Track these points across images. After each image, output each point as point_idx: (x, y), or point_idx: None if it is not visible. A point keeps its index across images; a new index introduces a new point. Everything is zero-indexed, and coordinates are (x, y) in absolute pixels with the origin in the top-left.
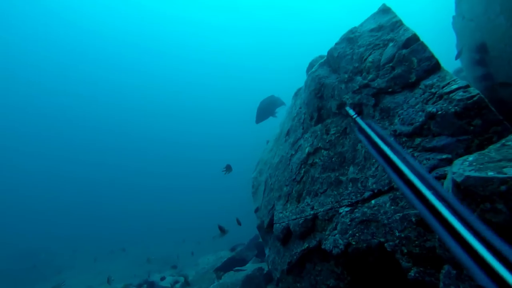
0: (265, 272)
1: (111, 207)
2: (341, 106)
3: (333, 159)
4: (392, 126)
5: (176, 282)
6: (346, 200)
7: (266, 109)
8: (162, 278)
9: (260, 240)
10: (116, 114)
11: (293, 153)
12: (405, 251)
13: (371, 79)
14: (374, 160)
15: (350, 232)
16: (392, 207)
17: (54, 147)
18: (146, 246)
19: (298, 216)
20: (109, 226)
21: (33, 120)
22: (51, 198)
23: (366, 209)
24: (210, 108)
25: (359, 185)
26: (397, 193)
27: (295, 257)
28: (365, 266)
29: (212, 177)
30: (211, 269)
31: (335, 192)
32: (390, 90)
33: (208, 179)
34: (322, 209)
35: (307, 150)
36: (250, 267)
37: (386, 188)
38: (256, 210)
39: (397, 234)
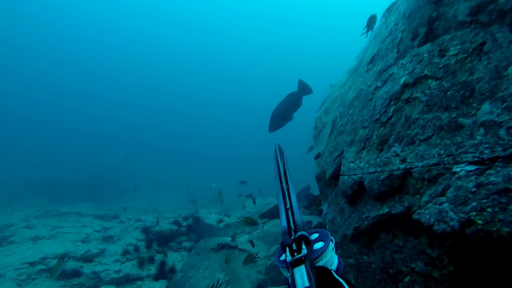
0: (312, 226)
1: (175, 150)
2: (480, 9)
3: (448, 92)
4: None
5: (220, 221)
6: (469, 155)
7: (281, 118)
8: (208, 214)
9: (310, 191)
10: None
11: (379, 85)
12: None
13: None
14: None
15: (474, 204)
16: None
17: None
18: (201, 183)
19: (379, 169)
20: (172, 164)
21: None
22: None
23: None
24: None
25: (501, 132)
26: None
27: (366, 222)
28: (495, 260)
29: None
30: (256, 213)
31: (448, 141)
32: None
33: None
34: (420, 164)
35: (402, 80)
36: None
37: None
38: (317, 157)
39: None
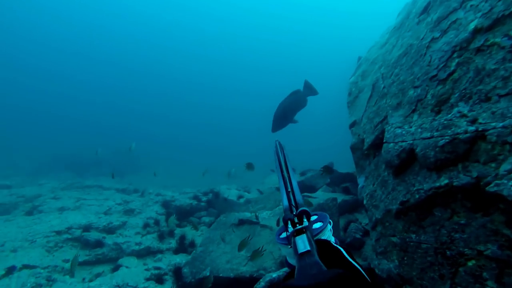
0: (337, 203)
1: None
2: None
3: None
4: None
5: (241, 196)
6: None
7: (284, 118)
8: (228, 190)
9: (334, 168)
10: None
11: (437, 36)
12: None
13: None
14: None
15: None
16: None
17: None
18: (220, 160)
19: (436, 133)
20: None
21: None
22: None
23: None
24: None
25: None
26: None
27: (417, 195)
28: None
29: None
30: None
31: None
32: None
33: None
34: (500, 124)
35: (472, 25)
36: (321, 196)
37: None
38: (352, 125)
39: None
